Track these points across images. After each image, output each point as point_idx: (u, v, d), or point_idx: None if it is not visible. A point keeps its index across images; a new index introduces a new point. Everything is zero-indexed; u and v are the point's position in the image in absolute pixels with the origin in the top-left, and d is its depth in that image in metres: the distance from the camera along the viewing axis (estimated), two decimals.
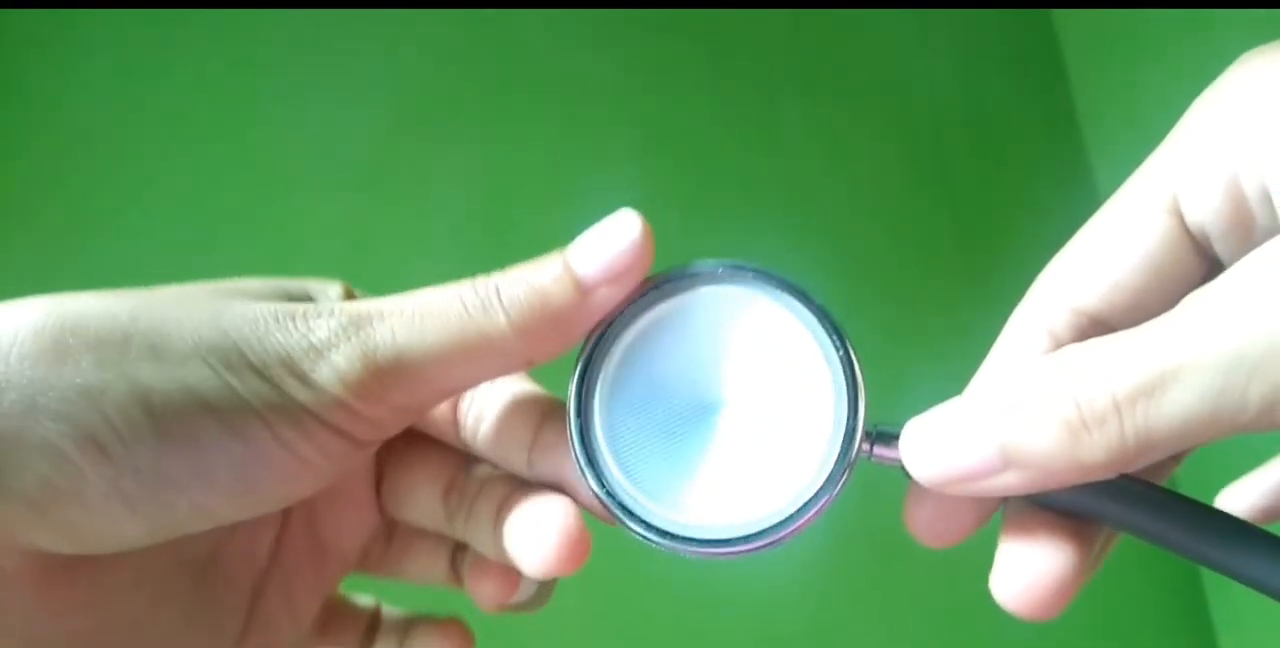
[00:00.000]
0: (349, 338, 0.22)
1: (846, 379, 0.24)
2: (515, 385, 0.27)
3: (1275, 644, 0.99)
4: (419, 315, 0.23)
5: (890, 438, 0.23)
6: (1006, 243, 1.10)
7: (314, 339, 0.22)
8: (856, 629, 0.90)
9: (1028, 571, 0.23)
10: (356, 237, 0.82)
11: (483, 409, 0.27)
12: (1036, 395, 0.21)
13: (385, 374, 0.22)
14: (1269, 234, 0.21)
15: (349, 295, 0.26)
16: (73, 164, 0.74)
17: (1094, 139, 1.20)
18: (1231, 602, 1.07)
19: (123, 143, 0.75)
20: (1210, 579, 1.10)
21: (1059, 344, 0.24)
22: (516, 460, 0.26)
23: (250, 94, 0.81)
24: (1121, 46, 1.15)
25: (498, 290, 0.23)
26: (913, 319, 1.02)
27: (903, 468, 0.23)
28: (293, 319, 0.22)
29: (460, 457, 0.28)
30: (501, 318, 0.23)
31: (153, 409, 0.20)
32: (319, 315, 0.22)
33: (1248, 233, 0.22)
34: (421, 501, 0.28)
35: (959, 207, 1.11)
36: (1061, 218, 1.23)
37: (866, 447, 0.24)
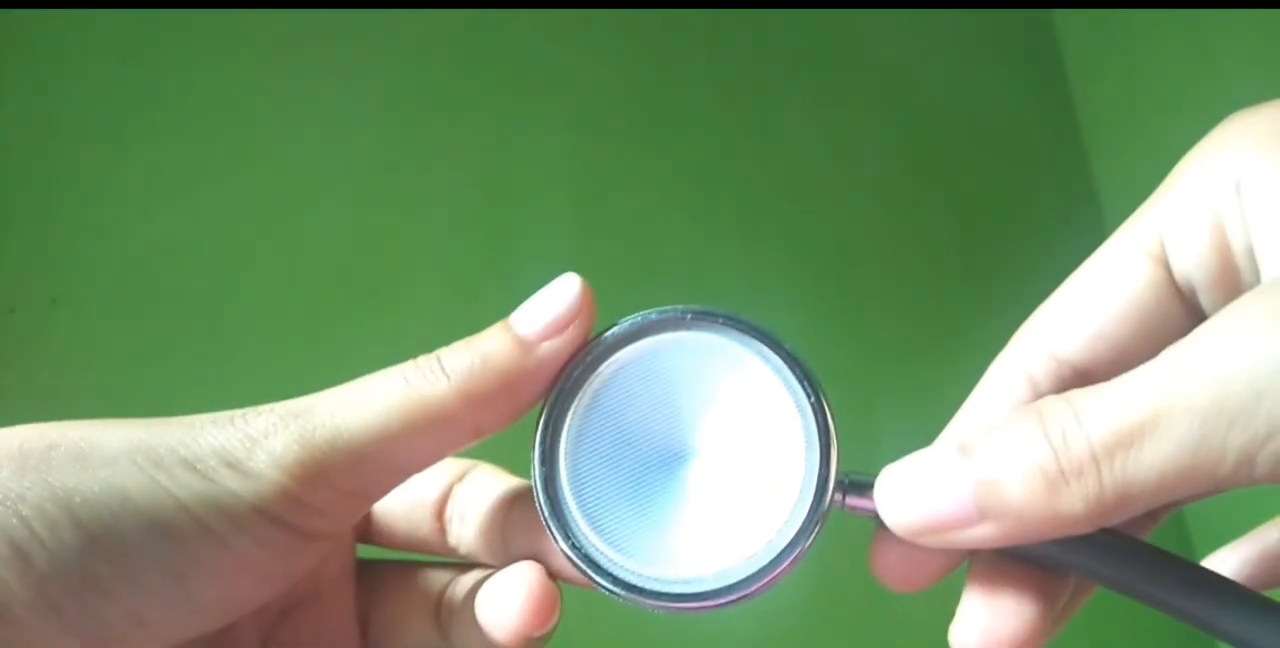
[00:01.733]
0: (286, 426, 0.22)
1: (819, 428, 0.23)
2: (494, 481, 0.27)
3: None
4: (358, 394, 0.22)
5: (863, 487, 0.23)
6: (1006, 242, 1.10)
7: (250, 431, 0.22)
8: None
9: (987, 628, 0.23)
10: (356, 234, 0.82)
11: (464, 509, 0.26)
12: (1014, 446, 0.21)
13: (324, 454, 0.21)
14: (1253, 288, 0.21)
15: None
16: (70, 164, 0.74)
17: (1093, 139, 1.20)
18: None
19: (120, 144, 0.75)
20: None
21: (1038, 392, 0.24)
22: (496, 547, 0.26)
23: (249, 95, 0.81)
24: (1121, 46, 1.15)
25: (439, 359, 0.23)
26: (913, 319, 1.02)
27: (874, 517, 0.23)
28: (230, 420, 0.22)
29: (446, 574, 0.27)
30: (443, 382, 0.22)
31: (74, 511, 0.20)
32: (258, 413, 0.22)
33: (1233, 286, 0.22)
34: (414, 627, 0.27)
35: (959, 206, 1.11)
36: (1060, 218, 1.23)
37: (839, 497, 0.23)
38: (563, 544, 0.23)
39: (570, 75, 0.94)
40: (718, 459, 0.24)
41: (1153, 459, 0.19)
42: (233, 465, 0.21)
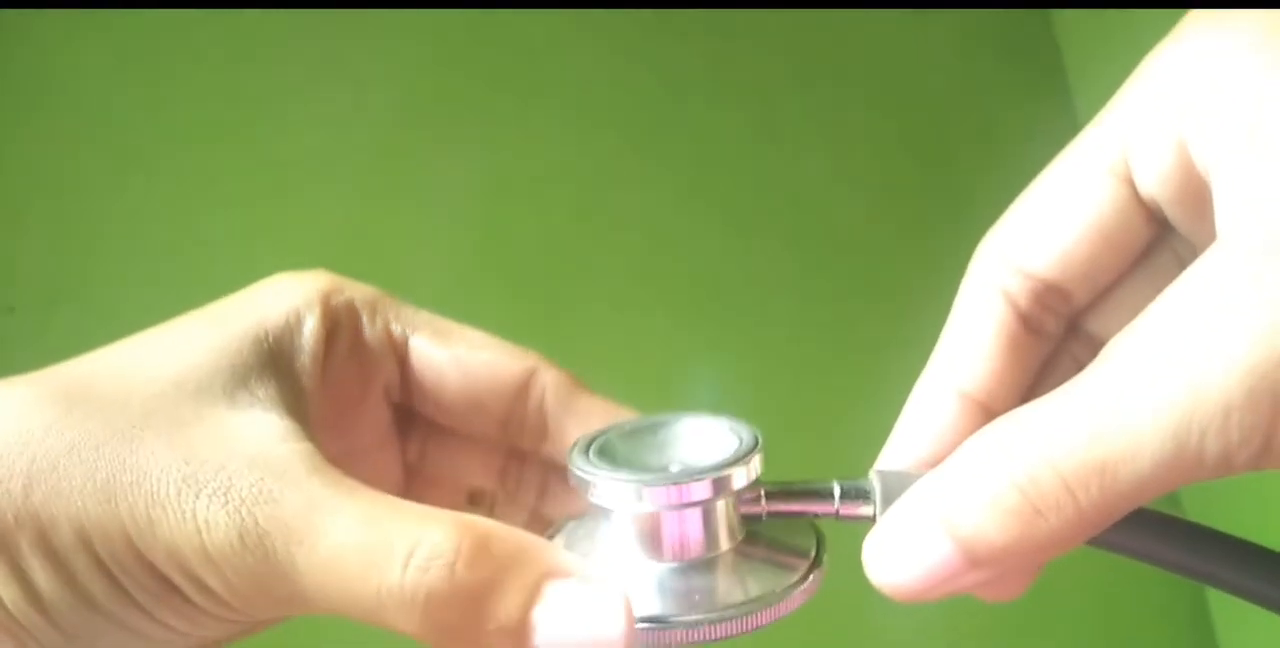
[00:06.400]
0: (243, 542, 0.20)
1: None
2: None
3: (1276, 642, 0.99)
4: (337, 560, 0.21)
5: (861, 492, 0.24)
6: None
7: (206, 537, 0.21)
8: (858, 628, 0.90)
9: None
10: (357, 236, 0.82)
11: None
12: (980, 491, 0.20)
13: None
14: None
15: (327, 302, 0.26)
16: (71, 165, 0.74)
17: None
18: (1233, 598, 1.06)
19: (122, 143, 0.75)
20: None
21: (1018, 310, 0.24)
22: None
23: (251, 95, 0.81)
24: (1121, 46, 1.15)
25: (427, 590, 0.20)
26: (912, 318, 1.02)
27: (873, 520, 0.23)
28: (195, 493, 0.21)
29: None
30: (416, 612, 0.20)
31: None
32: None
33: (1199, 201, 0.22)
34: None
35: (959, 206, 1.11)
36: None
37: (833, 508, 0.24)
38: None
39: (570, 75, 0.94)
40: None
41: (1129, 477, 0.19)
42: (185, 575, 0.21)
